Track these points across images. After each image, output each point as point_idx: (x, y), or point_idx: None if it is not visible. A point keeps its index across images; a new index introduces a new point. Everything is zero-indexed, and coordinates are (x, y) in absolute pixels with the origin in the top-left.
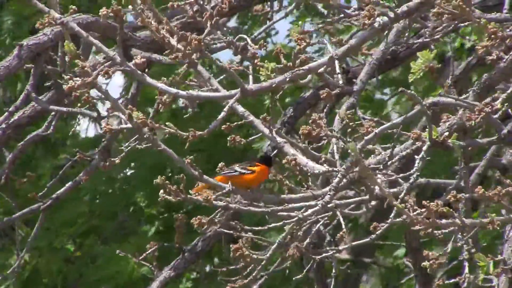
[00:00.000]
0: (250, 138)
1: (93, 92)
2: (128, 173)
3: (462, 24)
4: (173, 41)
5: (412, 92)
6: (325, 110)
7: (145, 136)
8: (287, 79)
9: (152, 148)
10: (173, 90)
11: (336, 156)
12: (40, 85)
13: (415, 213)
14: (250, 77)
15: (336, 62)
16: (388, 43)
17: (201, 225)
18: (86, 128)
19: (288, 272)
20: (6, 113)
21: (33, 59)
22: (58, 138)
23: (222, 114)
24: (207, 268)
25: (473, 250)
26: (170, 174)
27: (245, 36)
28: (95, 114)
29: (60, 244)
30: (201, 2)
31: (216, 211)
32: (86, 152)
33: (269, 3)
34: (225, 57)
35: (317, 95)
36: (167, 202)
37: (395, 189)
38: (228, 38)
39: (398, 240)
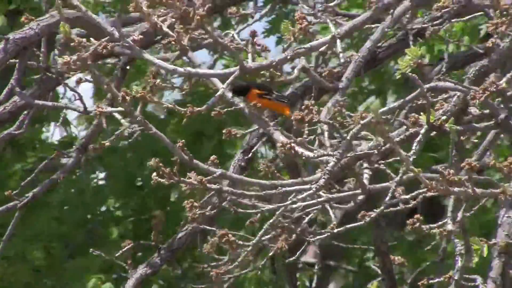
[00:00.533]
0: (246, 131)
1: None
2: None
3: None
4: (165, 27)
5: (414, 75)
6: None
7: (137, 119)
8: (288, 57)
9: (144, 131)
10: (171, 66)
11: (327, 143)
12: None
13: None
14: (249, 55)
15: (338, 41)
16: (374, 40)
17: (192, 208)
18: (51, 133)
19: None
20: None
21: (18, 53)
22: (26, 141)
23: (221, 90)
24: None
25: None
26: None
27: (232, 32)
28: (81, 107)
29: (30, 253)
30: None
31: (209, 194)
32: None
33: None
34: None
35: (295, 95)
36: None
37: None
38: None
39: (367, 243)
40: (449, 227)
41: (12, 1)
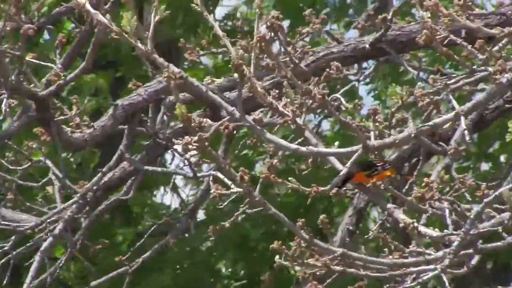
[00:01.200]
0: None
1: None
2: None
3: None
4: (281, 107)
5: None
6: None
7: (256, 200)
8: (412, 135)
9: (263, 212)
10: (293, 146)
11: (448, 220)
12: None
13: None
14: (371, 133)
15: (462, 118)
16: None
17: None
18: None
19: None
20: (99, 174)
21: (127, 119)
22: (136, 210)
23: (344, 170)
24: None
25: None
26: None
27: (338, 96)
28: (190, 173)
29: None
30: (296, 61)
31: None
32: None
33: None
34: None
35: (401, 158)
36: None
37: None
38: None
39: None
40: None
41: (119, 70)
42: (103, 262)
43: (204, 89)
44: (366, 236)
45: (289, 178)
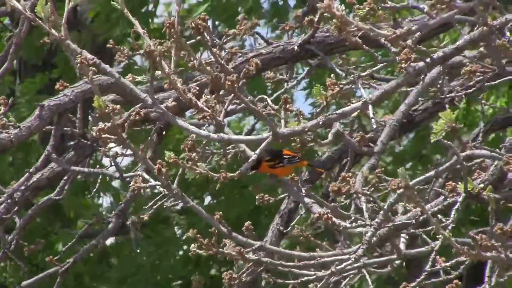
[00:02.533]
0: (279, 197)
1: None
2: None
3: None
4: (200, 103)
5: (449, 142)
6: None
7: (174, 192)
8: (320, 123)
9: (180, 204)
10: (205, 132)
11: (366, 214)
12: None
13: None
14: (282, 121)
15: (370, 107)
16: (408, 104)
17: (231, 279)
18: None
19: None
20: (26, 174)
21: (54, 119)
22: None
23: (254, 156)
24: None
25: None
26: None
27: (265, 97)
28: (117, 174)
29: None
30: (222, 62)
31: (247, 266)
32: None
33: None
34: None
35: (331, 159)
36: None
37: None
38: (249, 98)
39: None
40: None
41: (53, 72)
42: (41, 263)
43: (117, 76)
44: (289, 236)
45: (198, 164)
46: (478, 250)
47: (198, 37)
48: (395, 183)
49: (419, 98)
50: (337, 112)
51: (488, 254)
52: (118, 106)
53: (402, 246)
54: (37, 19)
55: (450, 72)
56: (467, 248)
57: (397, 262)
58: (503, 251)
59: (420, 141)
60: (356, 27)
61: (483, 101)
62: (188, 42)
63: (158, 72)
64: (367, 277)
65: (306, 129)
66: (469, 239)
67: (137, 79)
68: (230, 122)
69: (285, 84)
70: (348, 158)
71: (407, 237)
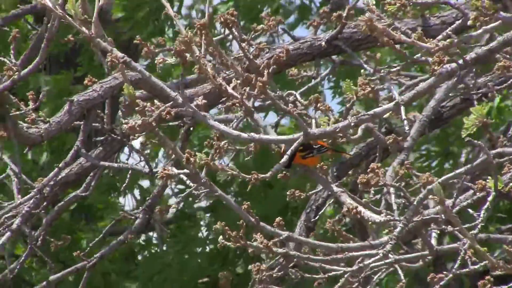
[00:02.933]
0: (309, 192)
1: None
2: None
3: None
4: (230, 89)
5: (479, 142)
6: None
7: (202, 181)
8: (352, 124)
9: (208, 194)
10: (235, 132)
11: (394, 206)
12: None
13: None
14: (313, 121)
15: (402, 108)
16: (437, 100)
17: (259, 272)
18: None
19: None
20: (55, 169)
21: (83, 115)
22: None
23: (285, 157)
24: None
25: None
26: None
27: (293, 92)
28: (147, 169)
29: None
30: (251, 57)
31: (276, 259)
32: None
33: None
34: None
35: (359, 155)
36: None
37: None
38: (278, 92)
39: None
40: None
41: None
42: (67, 260)
43: (147, 74)
44: (321, 231)
45: (229, 165)
46: None
47: (227, 32)
48: (425, 178)
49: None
50: (368, 113)
51: None
52: (149, 104)
53: (433, 241)
54: (67, 17)
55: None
56: (502, 262)
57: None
58: None
59: (446, 137)
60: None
61: None
62: (215, 38)
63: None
64: (400, 271)
65: (337, 130)
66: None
67: (167, 61)
68: None
69: (312, 80)
70: (377, 155)
71: (438, 232)
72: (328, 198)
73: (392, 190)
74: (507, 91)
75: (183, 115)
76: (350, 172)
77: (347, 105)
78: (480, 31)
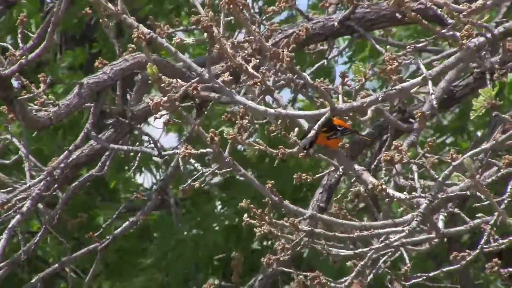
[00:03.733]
0: (318, 175)
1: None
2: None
3: None
4: (250, 68)
5: (506, 116)
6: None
7: (226, 161)
8: (380, 98)
9: (231, 172)
10: (262, 108)
11: (417, 184)
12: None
13: None
14: (340, 96)
15: (430, 82)
16: (448, 80)
17: (284, 250)
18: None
19: None
20: (66, 152)
21: (93, 97)
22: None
23: (312, 132)
24: None
25: None
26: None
27: (304, 74)
28: (156, 152)
29: None
30: (262, 39)
31: (301, 236)
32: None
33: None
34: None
35: (372, 134)
36: None
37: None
38: (287, 75)
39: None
40: None
41: (94, 45)
42: (82, 238)
43: (174, 50)
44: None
45: (256, 140)
46: None
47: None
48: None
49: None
50: (396, 87)
51: None
52: (175, 81)
53: (440, 224)
54: None
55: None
56: None
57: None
58: None
59: (463, 115)
60: (432, 1)
61: None
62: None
63: None
64: (405, 255)
65: (365, 104)
66: None
67: (185, 41)
68: None
69: (325, 59)
70: (389, 135)
71: (445, 214)
72: (341, 177)
73: (415, 168)
74: None
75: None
76: (363, 151)
77: (357, 87)
78: None
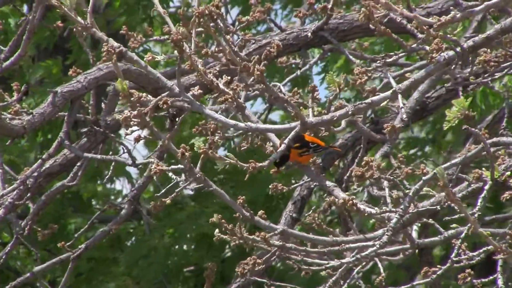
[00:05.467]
0: (292, 186)
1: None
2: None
3: None
4: (221, 85)
5: (476, 130)
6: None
7: (197, 176)
8: (350, 112)
9: (203, 189)
10: (232, 122)
11: (388, 199)
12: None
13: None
14: (310, 110)
15: (400, 96)
16: (421, 91)
17: (254, 265)
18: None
19: None
20: (39, 161)
21: (67, 106)
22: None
23: (282, 146)
24: None
25: None
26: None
27: (278, 84)
28: (129, 161)
29: None
30: (236, 50)
31: (272, 251)
32: None
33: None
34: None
35: (345, 145)
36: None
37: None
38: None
39: None
40: (499, 283)
41: (68, 57)
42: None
43: (143, 64)
44: (302, 220)
45: (227, 154)
46: None
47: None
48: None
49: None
50: (366, 101)
51: None
52: (144, 94)
53: (414, 234)
54: (63, 7)
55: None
56: (505, 246)
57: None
58: None
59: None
60: (401, 14)
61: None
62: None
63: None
64: (379, 265)
65: (335, 118)
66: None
67: (156, 58)
68: None
69: (298, 70)
70: (361, 145)
71: (419, 225)
72: (314, 189)
73: (386, 184)
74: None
75: (172, 106)
76: (335, 163)
77: (330, 98)
78: (482, 6)
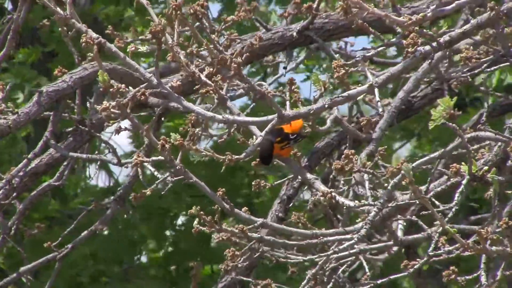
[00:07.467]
0: (275, 182)
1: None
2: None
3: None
4: (203, 77)
5: (454, 125)
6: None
7: (177, 168)
8: (326, 106)
9: (183, 180)
10: (209, 113)
11: (368, 192)
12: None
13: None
14: (287, 103)
15: (376, 90)
16: (407, 90)
17: (234, 257)
18: (92, 178)
19: None
20: (25, 160)
21: (52, 105)
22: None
23: (259, 139)
24: None
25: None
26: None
27: (263, 83)
28: (115, 160)
29: None
30: (221, 48)
31: (250, 243)
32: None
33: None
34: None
35: (331, 145)
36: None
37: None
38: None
39: None
40: (483, 280)
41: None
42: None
43: (122, 55)
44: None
45: (204, 146)
46: (484, 244)
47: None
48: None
49: (421, 84)
50: (342, 95)
51: (494, 248)
52: (123, 85)
53: (399, 232)
54: None
55: (451, 57)
56: (472, 243)
57: (394, 248)
58: (509, 245)
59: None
60: (372, 13)
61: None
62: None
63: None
64: (364, 264)
65: (311, 112)
66: (469, 226)
67: (140, 49)
68: None
69: (283, 69)
70: (347, 144)
71: (404, 223)
72: (300, 187)
73: (366, 177)
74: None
75: (153, 106)
76: (322, 162)
77: (315, 97)
78: (453, 5)
